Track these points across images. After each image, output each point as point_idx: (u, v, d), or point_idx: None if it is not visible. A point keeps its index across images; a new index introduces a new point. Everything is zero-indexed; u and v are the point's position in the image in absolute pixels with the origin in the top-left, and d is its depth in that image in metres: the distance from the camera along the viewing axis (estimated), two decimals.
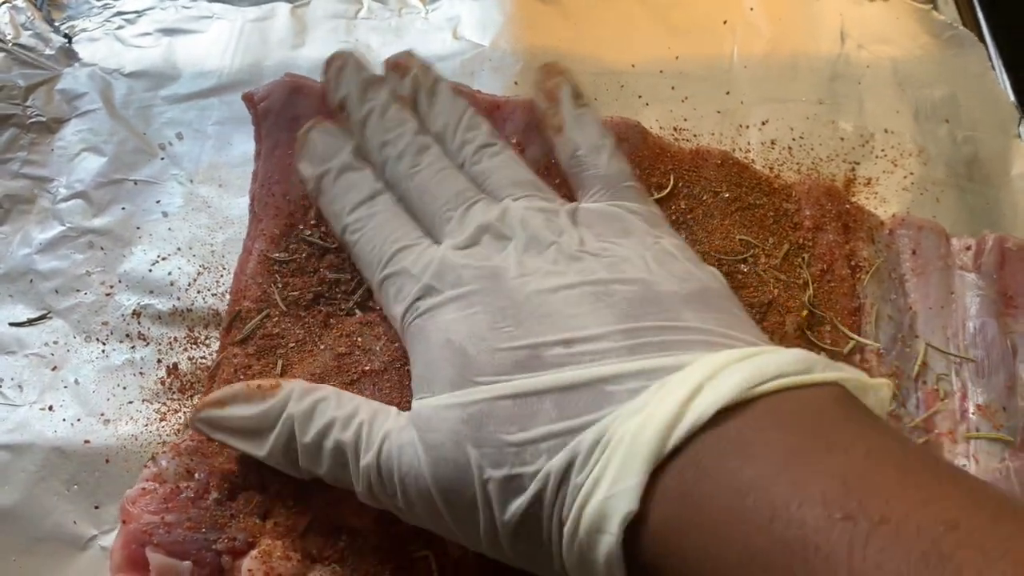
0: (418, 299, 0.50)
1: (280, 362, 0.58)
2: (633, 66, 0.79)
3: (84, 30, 0.77)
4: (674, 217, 0.64)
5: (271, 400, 0.50)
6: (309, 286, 0.60)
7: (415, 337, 0.50)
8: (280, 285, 0.60)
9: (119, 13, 0.78)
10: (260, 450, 0.50)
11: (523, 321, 0.45)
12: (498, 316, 0.45)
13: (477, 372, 0.44)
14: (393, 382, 0.56)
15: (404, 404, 0.55)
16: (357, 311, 0.60)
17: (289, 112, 0.63)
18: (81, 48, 0.76)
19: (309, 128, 0.60)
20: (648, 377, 0.40)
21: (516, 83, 0.77)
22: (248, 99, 0.64)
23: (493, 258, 0.49)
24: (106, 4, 0.79)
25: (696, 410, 0.37)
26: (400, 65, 0.63)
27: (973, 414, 0.61)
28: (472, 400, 0.43)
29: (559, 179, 0.62)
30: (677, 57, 0.80)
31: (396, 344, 0.57)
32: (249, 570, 0.51)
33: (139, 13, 0.79)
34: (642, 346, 0.42)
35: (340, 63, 0.62)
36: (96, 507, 0.58)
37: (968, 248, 0.66)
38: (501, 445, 0.41)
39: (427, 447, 0.44)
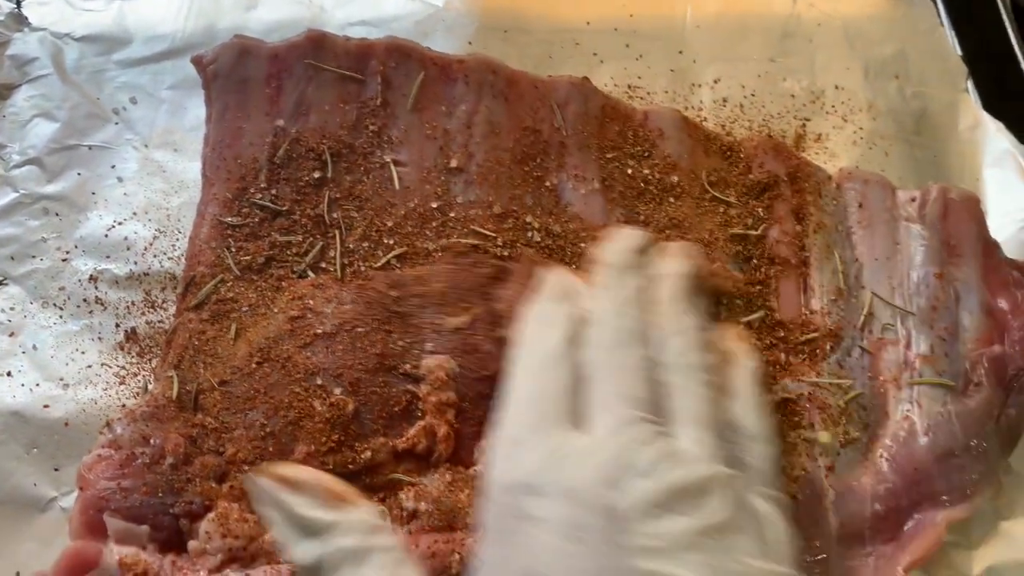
0: (526, 491, 0.44)
1: (234, 326, 0.58)
2: (588, 23, 0.79)
3: None
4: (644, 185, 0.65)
5: (339, 512, 0.47)
6: (261, 250, 0.60)
7: (502, 527, 0.44)
8: (233, 250, 0.60)
9: None
10: (298, 552, 0.47)
11: None
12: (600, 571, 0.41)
13: None
14: (345, 344, 0.57)
15: (356, 366, 0.56)
16: (309, 272, 0.60)
17: (238, 74, 0.63)
18: (31, 12, 0.75)
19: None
20: None
21: (470, 43, 0.77)
22: (197, 62, 0.64)
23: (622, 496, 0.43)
24: None
25: None
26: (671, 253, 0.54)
27: (917, 361, 0.63)
28: None
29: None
30: (632, 15, 0.80)
31: (347, 306, 0.58)
32: (207, 532, 0.52)
33: None
34: None
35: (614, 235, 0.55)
36: (56, 469, 0.59)
37: (913, 200, 0.67)
38: None
39: None
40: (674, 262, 0.52)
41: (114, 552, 0.51)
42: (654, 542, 0.41)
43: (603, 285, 0.51)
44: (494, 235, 0.61)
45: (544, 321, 0.50)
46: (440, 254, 0.60)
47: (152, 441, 0.54)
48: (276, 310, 0.59)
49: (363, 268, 0.60)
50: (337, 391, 0.56)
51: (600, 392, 0.46)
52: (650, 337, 0.48)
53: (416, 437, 0.56)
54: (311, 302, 0.58)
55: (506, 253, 0.61)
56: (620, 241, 0.53)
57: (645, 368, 0.47)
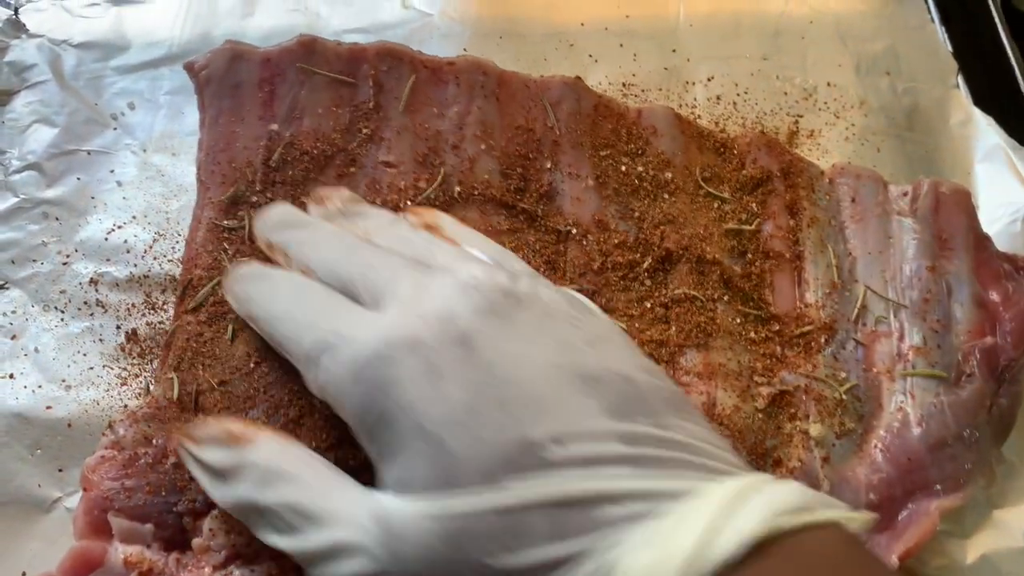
0: (366, 366, 0.42)
1: (231, 327, 0.59)
2: (582, 24, 0.80)
3: (31, 0, 0.77)
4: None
5: (239, 451, 0.46)
6: (258, 251, 0.61)
7: (367, 408, 0.42)
8: (230, 253, 0.61)
9: None
10: (217, 496, 0.47)
11: (505, 402, 0.39)
12: (476, 393, 0.39)
13: (459, 471, 0.37)
14: None
15: None
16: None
17: (231, 79, 0.64)
18: (28, 19, 0.75)
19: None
20: (651, 501, 0.36)
21: (465, 50, 0.77)
22: (189, 68, 0.64)
23: (456, 316, 0.42)
24: None
25: (718, 551, 0.34)
26: (323, 197, 0.58)
27: (910, 353, 0.63)
28: (452, 513, 0.37)
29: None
30: (627, 16, 0.81)
31: None
32: (211, 530, 0.53)
33: None
34: (641, 458, 0.38)
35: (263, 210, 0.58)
36: (60, 470, 0.60)
37: (905, 194, 0.68)
38: (483, 571, 0.36)
39: (393, 558, 0.38)
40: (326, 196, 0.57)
41: (119, 551, 0.52)
42: (507, 339, 0.41)
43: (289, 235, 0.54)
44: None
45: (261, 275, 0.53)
46: None
47: (154, 441, 0.55)
48: None
49: None
50: None
51: (377, 274, 0.47)
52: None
53: None
54: None
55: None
56: (271, 210, 0.56)
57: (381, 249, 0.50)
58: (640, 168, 0.66)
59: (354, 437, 0.56)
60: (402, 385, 0.40)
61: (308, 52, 0.64)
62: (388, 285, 0.45)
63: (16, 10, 0.76)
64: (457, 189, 0.63)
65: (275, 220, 0.55)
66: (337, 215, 0.55)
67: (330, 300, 0.47)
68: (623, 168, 0.66)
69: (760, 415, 0.60)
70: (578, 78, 0.67)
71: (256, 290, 0.52)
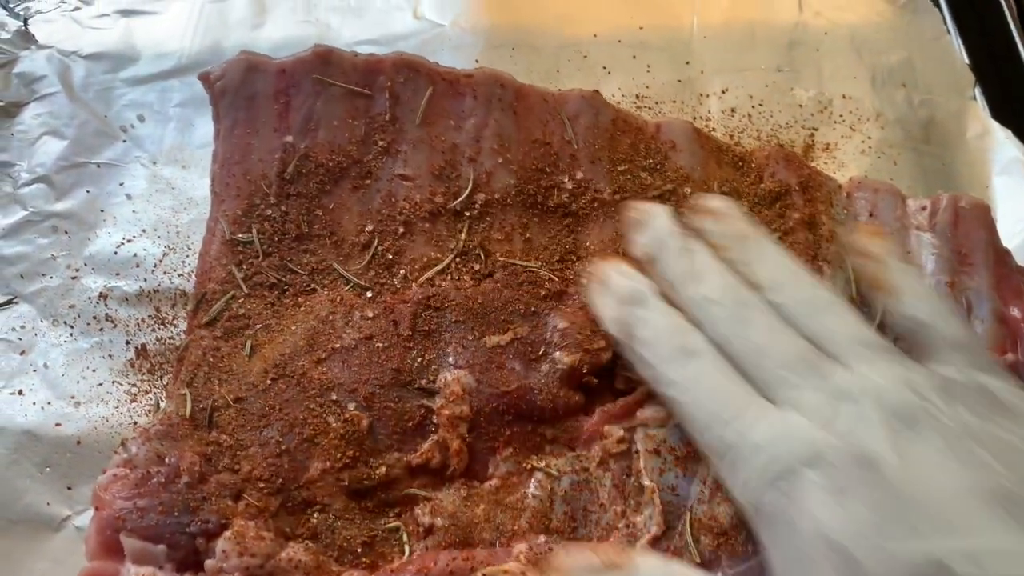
0: (774, 478, 0.45)
1: (249, 343, 0.58)
2: (595, 36, 0.80)
3: (40, 12, 0.76)
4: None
5: None
6: (272, 265, 0.60)
7: (772, 520, 0.45)
8: (244, 266, 0.60)
9: None
10: None
11: (915, 522, 0.40)
12: (882, 512, 0.41)
13: None
14: (363, 358, 0.57)
15: (371, 380, 0.56)
16: (320, 288, 0.60)
17: (246, 91, 0.63)
18: (38, 30, 0.75)
19: (605, 266, 0.57)
20: None
21: (477, 61, 0.77)
22: (204, 79, 0.64)
23: (860, 437, 0.44)
24: None
25: None
26: (711, 210, 0.58)
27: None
28: None
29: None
30: (641, 27, 0.80)
31: (362, 320, 0.58)
32: (223, 551, 0.52)
33: None
34: None
35: (643, 213, 0.59)
36: (69, 488, 0.59)
37: (923, 208, 0.67)
38: None
39: None
40: (713, 205, 0.57)
41: (131, 572, 0.51)
42: (916, 461, 0.42)
43: (675, 263, 0.53)
44: (534, 266, 0.62)
45: (656, 326, 0.52)
46: (492, 272, 0.61)
47: (167, 460, 0.54)
48: (292, 326, 0.59)
49: (392, 282, 0.60)
50: (351, 406, 0.56)
51: (768, 365, 0.48)
52: (755, 281, 0.52)
53: (430, 452, 0.56)
54: (325, 316, 0.58)
55: (554, 276, 0.61)
56: (655, 219, 0.56)
57: (781, 322, 0.50)
58: (659, 183, 0.65)
59: (370, 457, 0.56)
60: (804, 495, 0.43)
61: (324, 63, 0.64)
62: (786, 382, 0.47)
63: (26, 21, 0.75)
64: (482, 197, 0.63)
65: (657, 237, 0.56)
66: (729, 239, 0.55)
67: (731, 389, 0.48)
68: (642, 183, 0.65)
69: None
70: (596, 92, 0.66)
71: (667, 346, 0.52)
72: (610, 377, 0.59)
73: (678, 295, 0.53)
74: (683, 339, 0.51)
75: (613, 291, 0.55)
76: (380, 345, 0.57)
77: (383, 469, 0.56)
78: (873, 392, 0.46)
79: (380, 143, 0.63)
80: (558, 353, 0.58)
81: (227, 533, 0.53)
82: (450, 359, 0.58)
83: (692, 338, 0.51)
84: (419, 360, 0.58)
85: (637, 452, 0.57)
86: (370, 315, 0.58)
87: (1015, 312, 0.65)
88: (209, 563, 0.52)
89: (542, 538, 0.55)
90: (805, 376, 0.47)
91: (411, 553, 0.54)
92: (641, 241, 0.57)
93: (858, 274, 0.54)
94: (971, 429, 0.44)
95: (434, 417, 0.57)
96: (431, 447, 0.56)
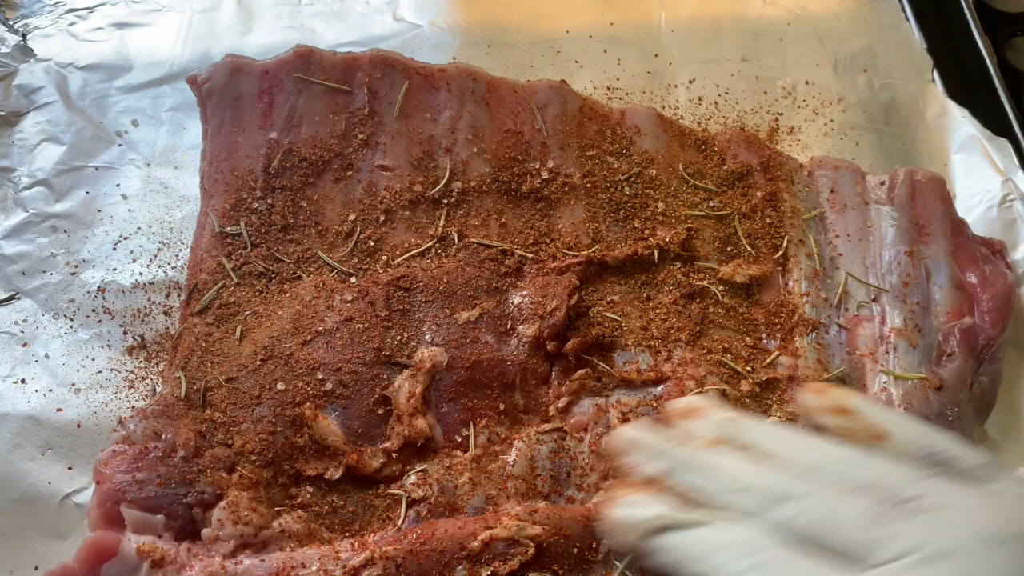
0: None
1: (239, 328, 0.62)
2: (568, 32, 0.83)
3: (38, 27, 0.80)
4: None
5: None
6: (260, 256, 0.64)
7: None
8: (233, 257, 0.64)
9: (71, 10, 0.81)
10: None
11: None
12: None
13: None
14: (344, 339, 0.60)
15: (354, 359, 0.59)
16: (306, 276, 0.63)
17: (232, 91, 0.66)
18: (36, 44, 0.79)
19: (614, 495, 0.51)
20: None
21: (455, 59, 0.80)
22: (191, 82, 0.67)
23: None
24: (58, 2, 0.82)
25: None
26: (688, 412, 0.54)
27: (891, 335, 0.65)
28: None
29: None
30: (612, 23, 0.84)
31: (341, 303, 0.61)
32: (219, 520, 0.55)
33: (90, 9, 0.82)
34: None
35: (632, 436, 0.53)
36: (70, 468, 0.62)
37: (882, 183, 0.70)
38: None
39: None
40: (686, 406, 0.53)
41: (132, 541, 0.53)
42: None
43: (690, 474, 0.50)
44: (499, 245, 0.65)
45: (704, 541, 0.47)
46: (456, 252, 0.64)
47: (164, 436, 0.57)
48: (278, 311, 0.62)
49: (375, 267, 0.63)
50: (329, 385, 0.59)
51: (840, 531, 0.45)
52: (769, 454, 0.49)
53: (400, 427, 0.59)
54: (309, 301, 0.61)
55: (524, 253, 0.64)
56: (642, 440, 0.52)
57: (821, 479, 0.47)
58: (625, 166, 0.68)
59: (365, 441, 0.58)
60: None
61: (304, 62, 0.67)
62: (872, 541, 0.44)
63: (24, 36, 0.79)
64: (459, 185, 0.66)
65: (657, 454, 0.51)
66: (722, 430, 0.51)
67: (815, 570, 0.45)
68: (609, 167, 0.68)
69: (747, 400, 0.62)
70: (563, 82, 0.70)
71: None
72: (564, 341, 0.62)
73: (709, 500, 0.49)
74: (742, 543, 0.46)
75: (641, 526, 0.49)
76: (360, 326, 0.61)
77: (368, 450, 0.59)
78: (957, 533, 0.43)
79: (360, 136, 0.67)
80: (521, 327, 0.62)
81: (222, 503, 0.55)
82: (427, 336, 0.61)
83: (749, 537, 0.46)
84: (398, 338, 0.61)
85: (609, 421, 0.61)
86: (349, 298, 0.61)
87: (972, 278, 0.68)
88: (206, 532, 0.55)
89: (530, 502, 0.58)
90: (880, 525, 0.44)
91: (403, 521, 0.57)
92: (644, 465, 0.52)
93: (846, 435, 0.50)
94: None
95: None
96: (396, 423, 0.59)
